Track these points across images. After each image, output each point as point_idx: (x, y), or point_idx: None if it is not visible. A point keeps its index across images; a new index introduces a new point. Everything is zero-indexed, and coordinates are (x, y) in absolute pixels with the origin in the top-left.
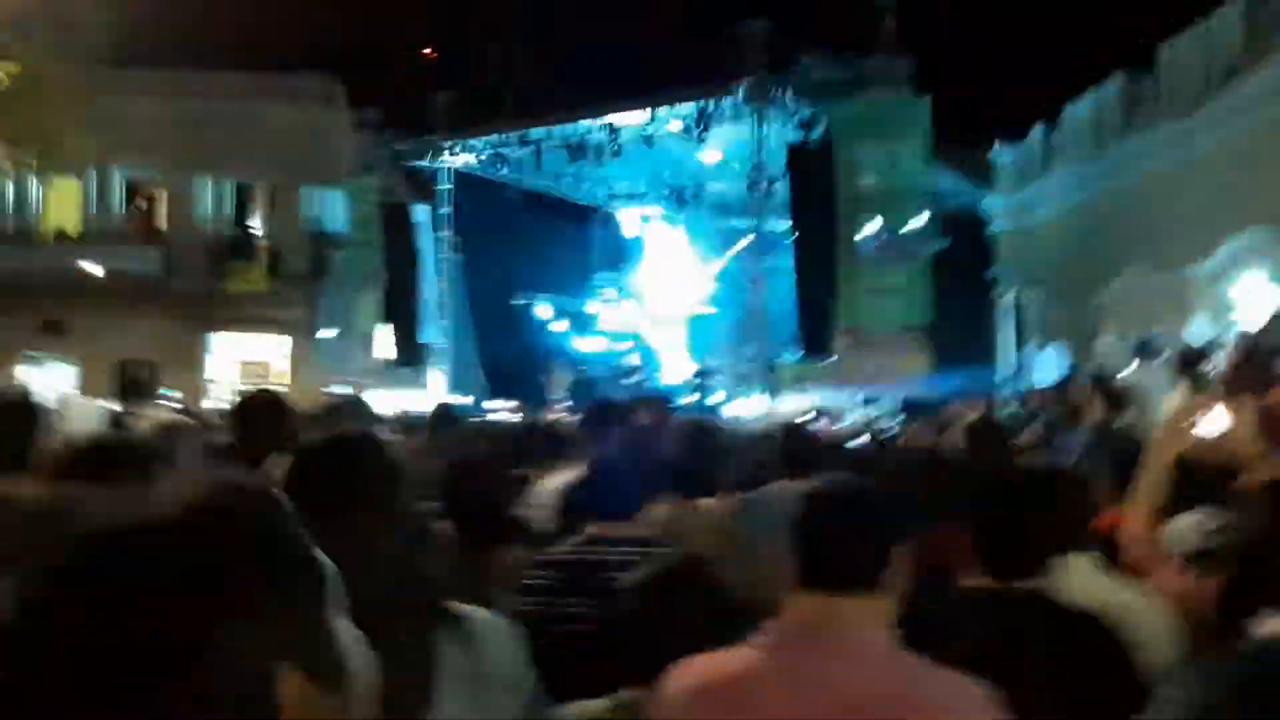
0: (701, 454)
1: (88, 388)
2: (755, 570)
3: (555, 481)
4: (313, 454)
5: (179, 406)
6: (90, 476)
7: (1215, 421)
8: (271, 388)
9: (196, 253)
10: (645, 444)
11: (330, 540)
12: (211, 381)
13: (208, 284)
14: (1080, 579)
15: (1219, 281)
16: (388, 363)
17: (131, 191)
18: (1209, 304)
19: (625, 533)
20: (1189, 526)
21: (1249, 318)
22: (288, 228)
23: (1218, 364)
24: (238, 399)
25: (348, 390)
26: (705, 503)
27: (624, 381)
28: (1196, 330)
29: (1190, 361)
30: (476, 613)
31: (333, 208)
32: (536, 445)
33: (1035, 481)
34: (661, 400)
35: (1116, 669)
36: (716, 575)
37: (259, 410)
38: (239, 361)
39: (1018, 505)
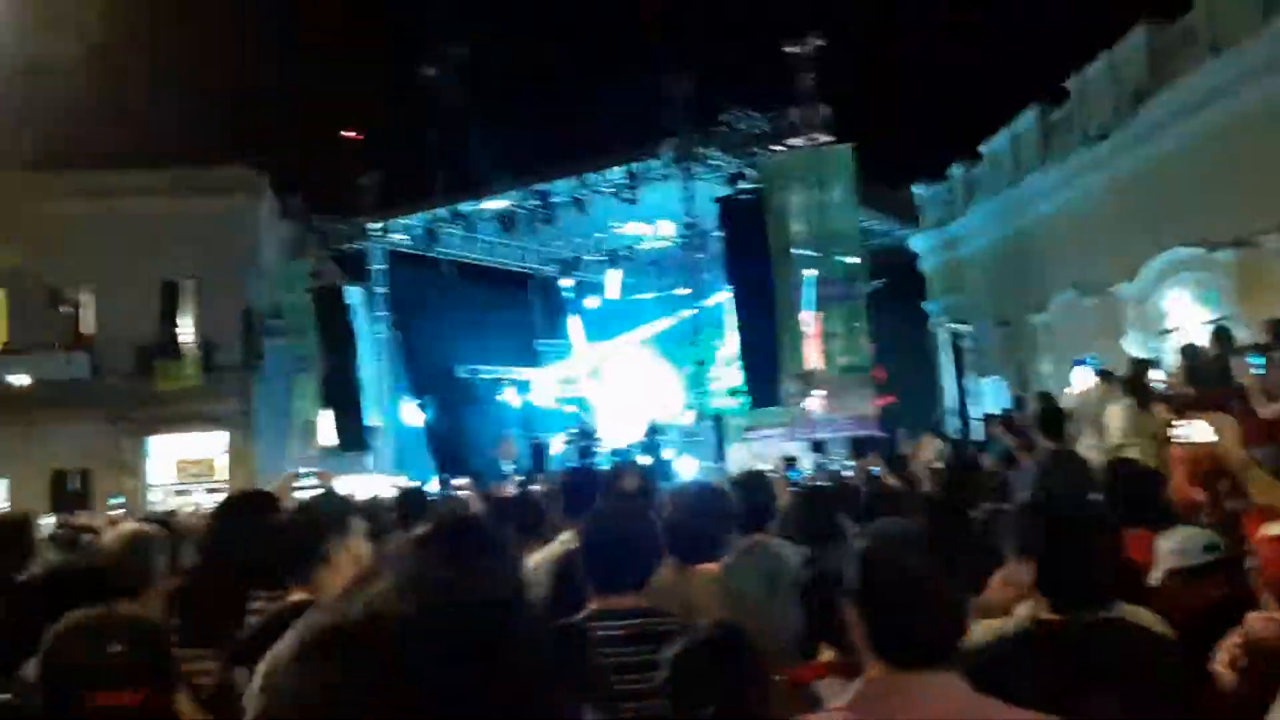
0: (698, 517)
1: (18, 500)
2: (762, 629)
3: (538, 557)
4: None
5: (122, 513)
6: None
7: (1198, 431)
8: (249, 490)
9: (125, 354)
10: (637, 512)
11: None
12: (151, 486)
13: (138, 385)
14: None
15: (1146, 301)
16: (330, 449)
17: (54, 297)
18: (1138, 323)
19: (629, 604)
20: (1185, 541)
21: (1179, 334)
22: (218, 321)
23: (1161, 378)
24: (219, 500)
25: (310, 480)
26: (704, 568)
27: (576, 447)
28: (1129, 349)
29: (1137, 377)
30: None
31: (263, 297)
32: (505, 521)
33: (1091, 515)
34: (642, 466)
35: (1196, 691)
36: (751, 641)
37: (241, 510)
38: (176, 461)
39: (1085, 538)
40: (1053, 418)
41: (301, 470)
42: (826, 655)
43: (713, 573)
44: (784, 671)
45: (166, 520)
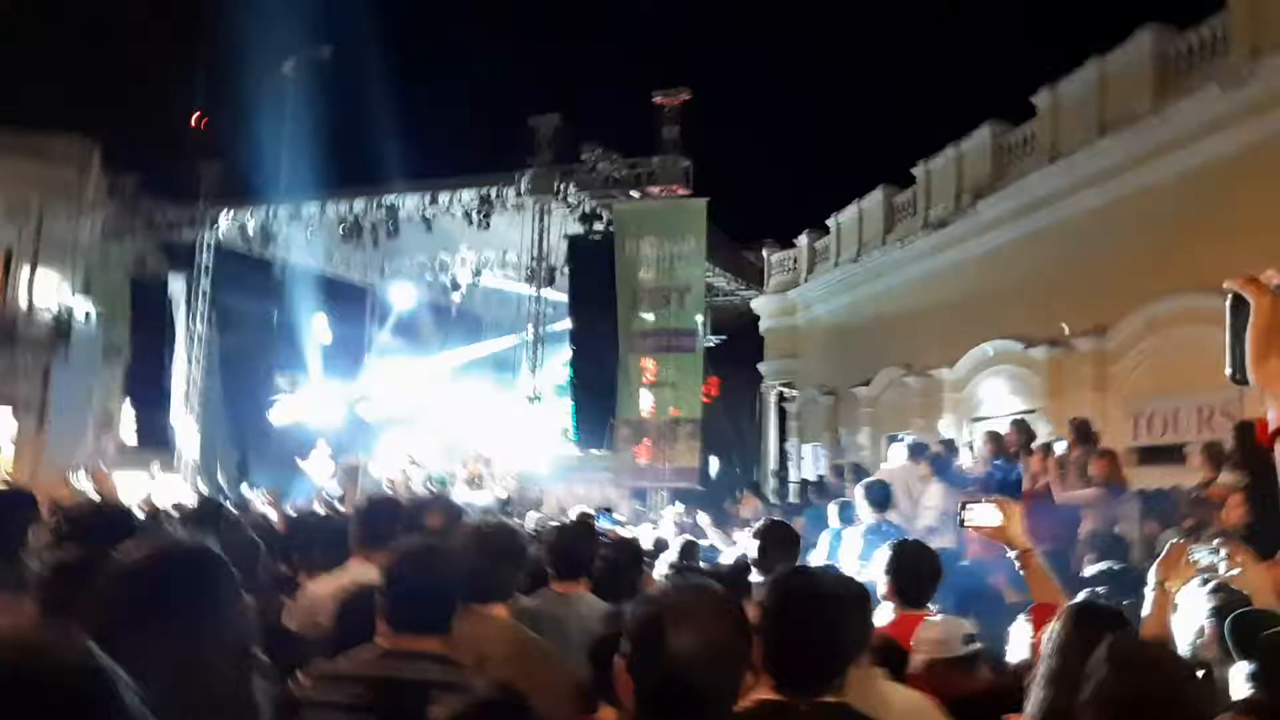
0: (495, 558)
1: None
2: (550, 684)
3: (328, 586)
4: (138, 572)
5: None
6: None
7: (984, 515)
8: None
9: None
10: (445, 550)
11: (153, 674)
12: None
13: None
14: (865, 694)
15: (964, 387)
16: (129, 446)
17: None
18: (954, 407)
19: (423, 646)
20: (946, 632)
21: (990, 422)
22: (24, 295)
23: (967, 462)
24: None
25: (82, 478)
26: (495, 610)
27: (397, 470)
28: (944, 431)
29: (941, 457)
30: None
31: (77, 276)
32: (305, 543)
33: (829, 589)
34: (450, 503)
35: None
36: (528, 707)
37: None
38: None
39: (811, 616)
40: (878, 489)
41: (79, 466)
42: (606, 714)
43: (504, 618)
44: None
45: None
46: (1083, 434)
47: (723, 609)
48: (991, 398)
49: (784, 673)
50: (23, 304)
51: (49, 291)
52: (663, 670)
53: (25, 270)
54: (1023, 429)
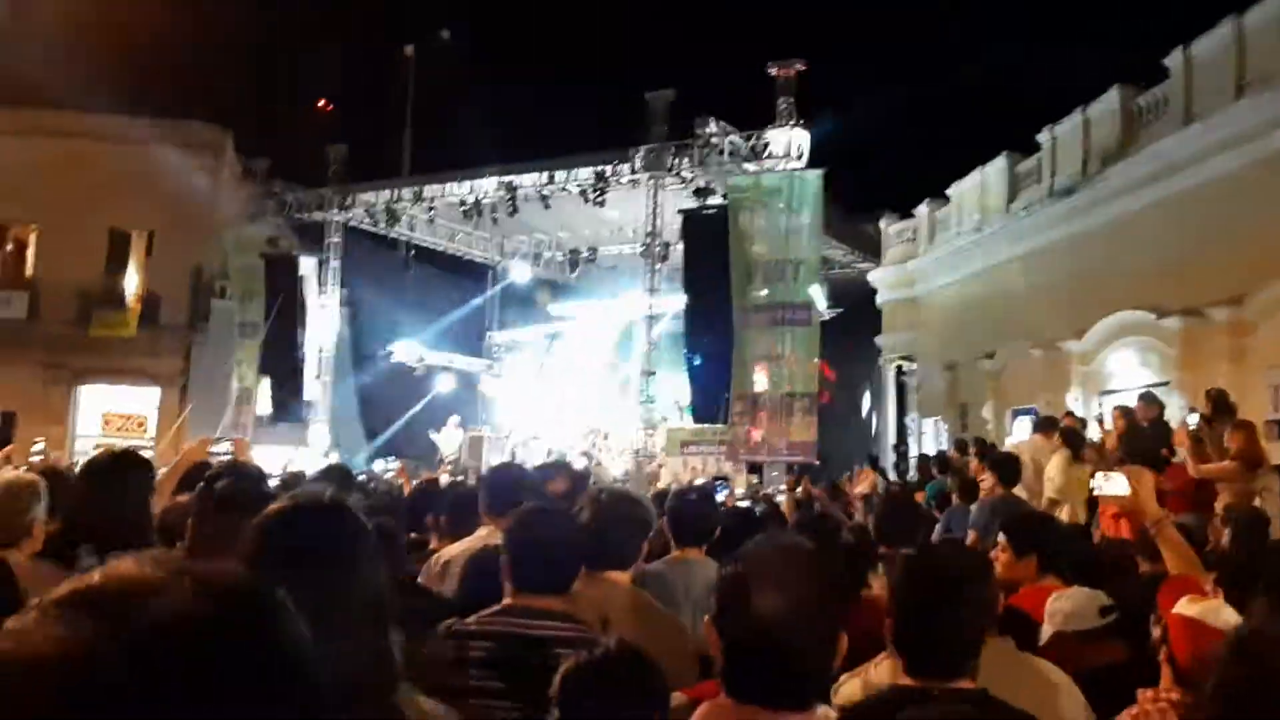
0: (616, 523)
1: None
2: (669, 649)
3: (456, 550)
4: (280, 523)
5: (37, 461)
6: None
7: (1115, 484)
8: (125, 446)
9: (66, 299)
10: (563, 513)
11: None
12: (80, 436)
13: (75, 331)
14: (997, 667)
15: (1092, 360)
16: (266, 418)
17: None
18: (1082, 381)
19: (545, 605)
20: (1080, 604)
21: (1120, 395)
22: (166, 276)
23: (1095, 435)
24: (90, 458)
25: (225, 445)
26: (615, 575)
27: (518, 442)
28: (1071, 405)
29: (1075, 431)
30: (427, 707)
31: (215, 257)
32: (434, 510)
33: (956, 570)
34: (573, 467)
35: None
36: (653, 664)
37: (107, 472)
38: (105, 414)
39: (937, 599)
40: (1007, 464)
41: (218, 436)
42: None
43: (625, 583)
44: (683, 690)
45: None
46: (1220, 406)
47: (810, 568)
48: (1121, 370)
49: (914, 657)
50: (164, 285)
51: (190, 272)
52: (745, 626)
53: (167, 253)
54: (1153, 402)
